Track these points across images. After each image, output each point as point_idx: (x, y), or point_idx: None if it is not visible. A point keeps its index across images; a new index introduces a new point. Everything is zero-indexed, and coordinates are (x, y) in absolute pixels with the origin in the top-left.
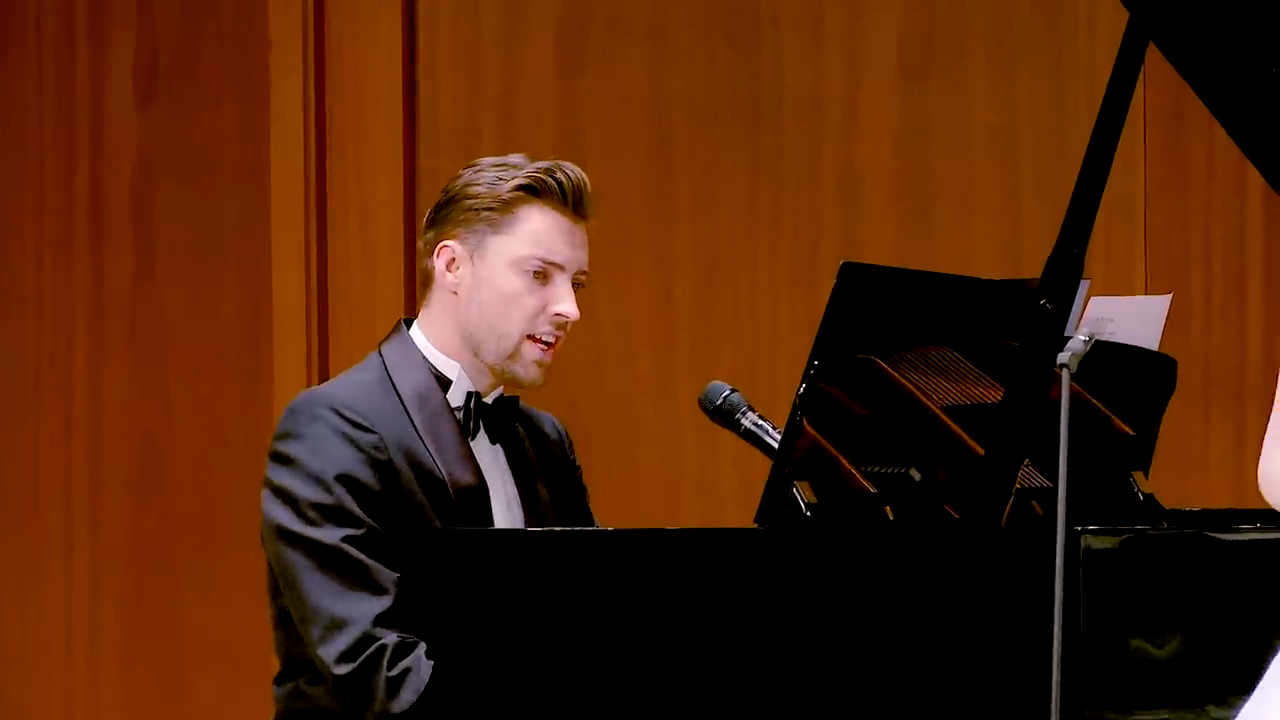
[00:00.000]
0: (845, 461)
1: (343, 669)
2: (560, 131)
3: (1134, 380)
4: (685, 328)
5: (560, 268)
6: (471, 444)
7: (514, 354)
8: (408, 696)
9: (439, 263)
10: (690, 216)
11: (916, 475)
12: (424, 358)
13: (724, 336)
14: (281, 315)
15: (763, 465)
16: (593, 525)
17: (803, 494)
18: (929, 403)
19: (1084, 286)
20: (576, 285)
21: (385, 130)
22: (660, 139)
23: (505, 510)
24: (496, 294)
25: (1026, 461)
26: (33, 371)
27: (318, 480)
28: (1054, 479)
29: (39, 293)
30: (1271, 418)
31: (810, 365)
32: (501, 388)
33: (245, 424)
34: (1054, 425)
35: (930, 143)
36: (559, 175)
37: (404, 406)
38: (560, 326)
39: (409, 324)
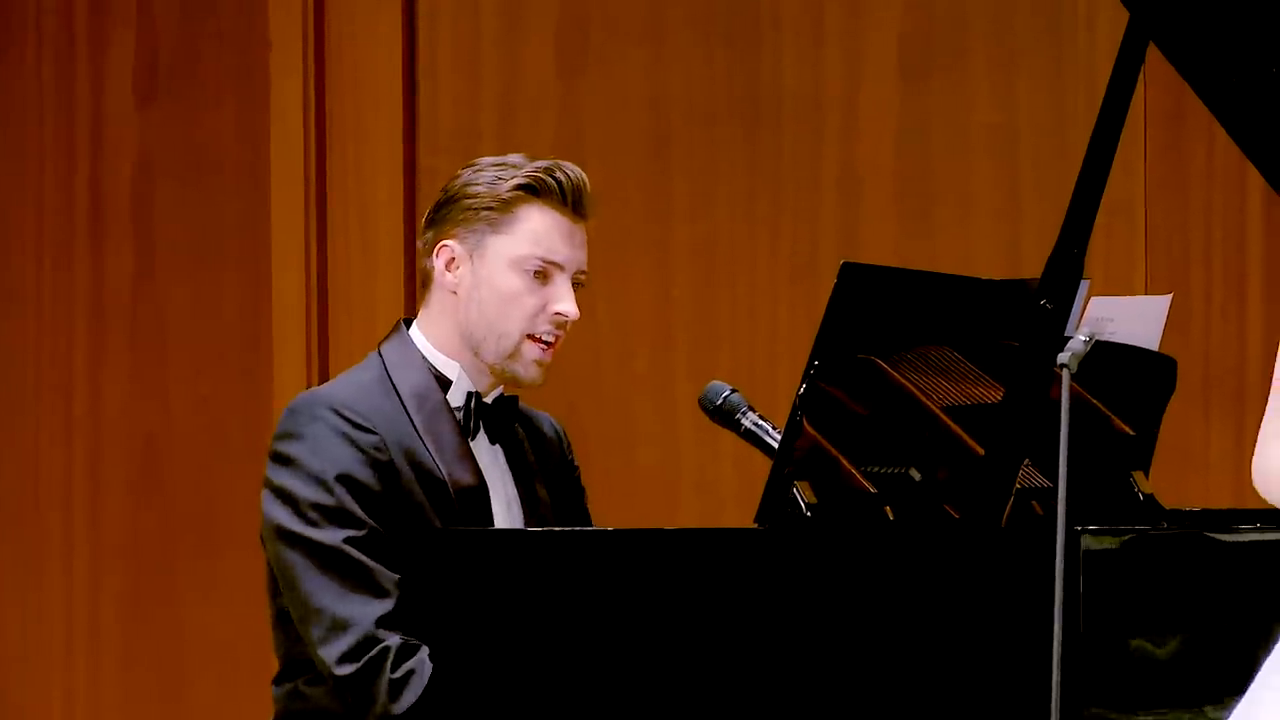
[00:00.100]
0: (845, 461)
1: (344, 670)
2: (559, 131)
3: (1134, 380)
4: (684, 328)
5: (560, 267)
6: (471, 444)
7: (514, 353)
8: (409, 699)
9: (438, 262)
10: (689, 216)
11: (916, 475)
12: (423, 358)
13: (723, 336)
14: (281, 315)
15: (762, 465)
16: (591, 526)
17: (803, 494)
18: (929, 403)
19: (1084, 286)
20: (576, 285)
21: (385, 130)
22: (659, 139)
23: (505, 510)
24: (496, 293)
25: (1026, 461)
26: (33, 371)
27: (318, 481)
28: (1054, 479)
29: (39, 293)
30: (1266, 413)
31: (810, 365)
32: (501, 388)
33: (245, 424)
34: (1054, 425)
35: (930, 143)
36: (558, 175)
37: (404, 406)
38: (560, 326)
39: (408, 324)
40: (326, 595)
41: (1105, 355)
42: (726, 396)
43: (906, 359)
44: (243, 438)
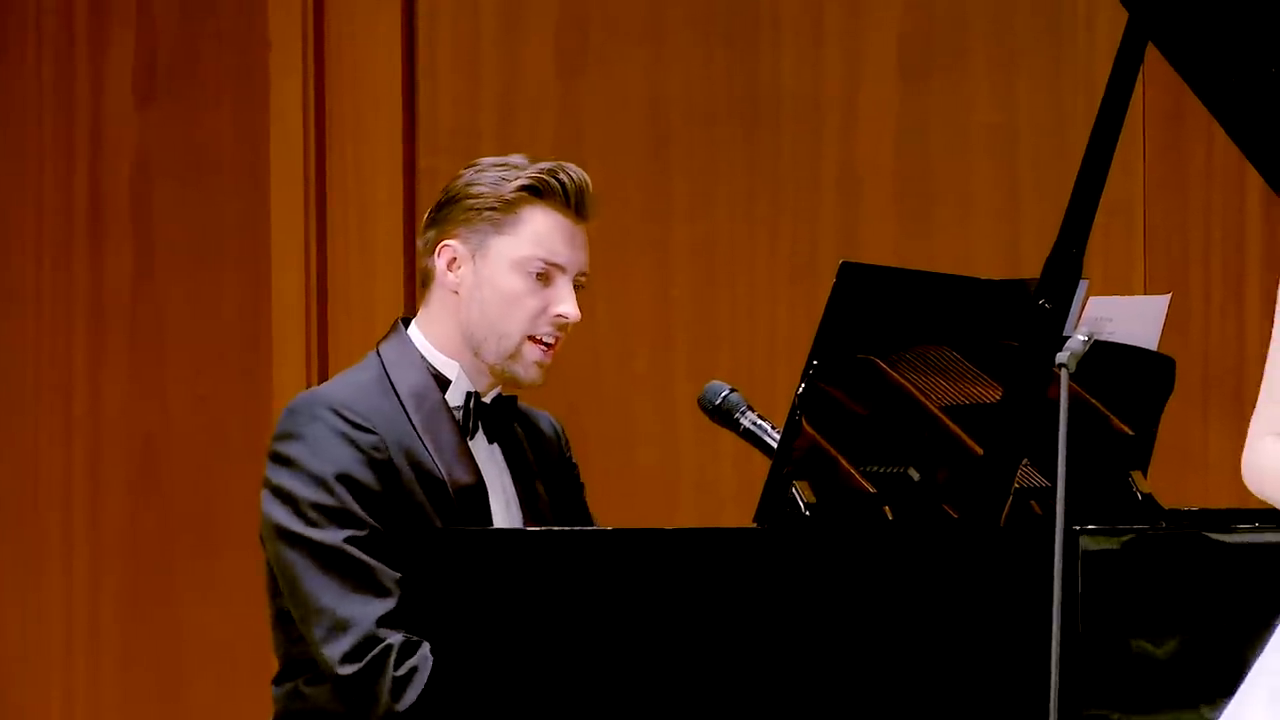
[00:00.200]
0: (844, 461)
1: (347, 669)
2: (559, 131)
3: (1133, 380)
4: (683, 328)
5: (562, 269)
6: (470, 443)
7: (515, 354)
8: (413, 696)
9: (440, 262)
10: (688, 216)
11: (915, 475)
12: (422, 357)
13: (722, 336)
14: (281, 315)
15: (761, 465)
16: (590, 521)
17: (802, 494)
18: (928, 403)
19: (1083, 286)
20: (576, 286)
21: (385, 130)
22: (658, 139)
23: (504, 509)
24: (498, 294)
25: (1025, 461)
26: (32, 371)
27: (318, 481)
28: (1053, 479)
29: (38, 293)
30: (1256, 409)
31: (809, 365)
32: (500, 388)
33: (244, 424)
34: (1053, 425)
35: (930, 143)
36: (562, 176)
37: (402, 406)
38: (561, 328)
39: (407, 323)
40: (328, 595)
41: (1104, 355)
42: (726, 396)
43: (905, 359)
44: (242, 438)
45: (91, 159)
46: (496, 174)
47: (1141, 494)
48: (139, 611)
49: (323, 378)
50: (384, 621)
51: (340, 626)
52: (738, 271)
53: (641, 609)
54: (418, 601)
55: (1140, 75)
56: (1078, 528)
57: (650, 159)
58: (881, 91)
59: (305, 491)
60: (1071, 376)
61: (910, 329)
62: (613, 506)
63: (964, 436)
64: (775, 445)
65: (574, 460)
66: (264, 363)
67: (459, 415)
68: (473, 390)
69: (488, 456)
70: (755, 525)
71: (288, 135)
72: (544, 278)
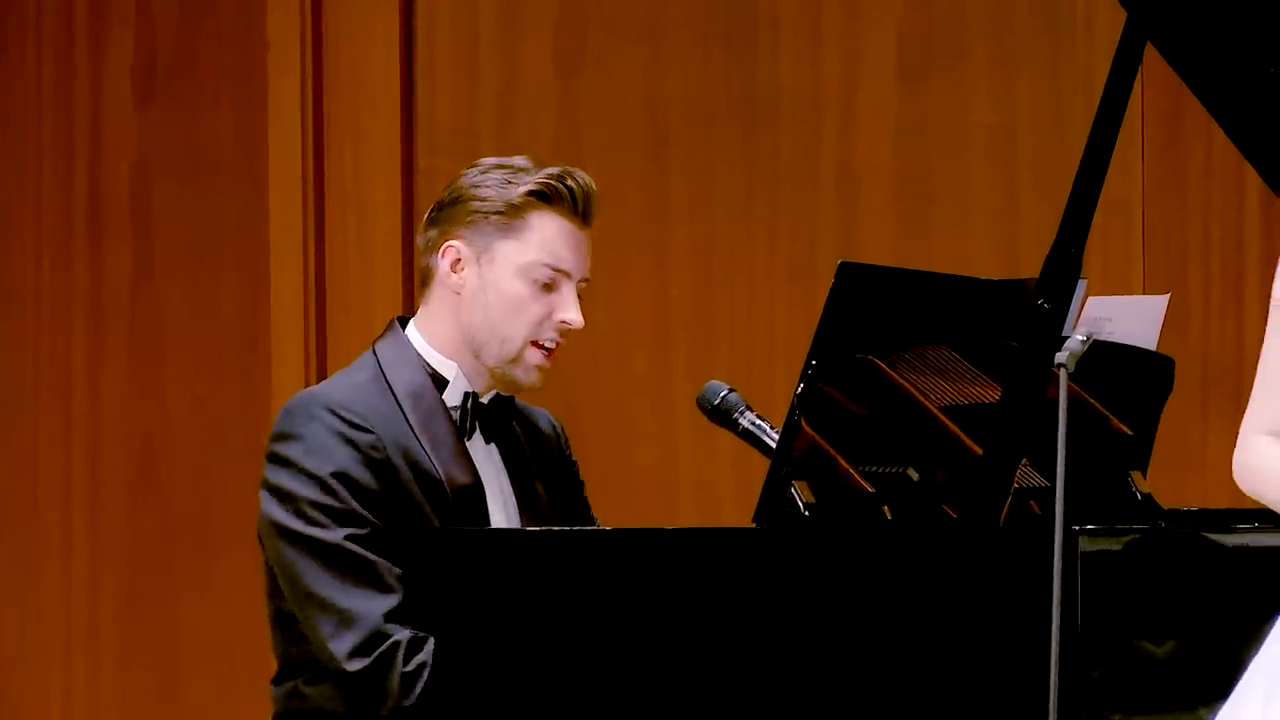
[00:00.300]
0: (843, 461)
1: (356, 665)
2: (558, 131)
3: (1132, 380)
4: (682, 328)
5: (567, 275)
6: (467, 444)
7: (517, 358)
8: (421, 691)
9: (443, 263)
10: (687, 216)
11: (914, 475)
12: (419, 356)
13: (721, 337)
14: (280, 315)
15: (760, 465)
16: (591, 518)
17: (801, 494)
18: (927, 402)
19: (1082, 286)
20: (578, 291)
21: (383, 130)
22: (657, 139)
23: (501, 509)
24: (503, 298)
25: (1024, 461)
26: (31, 371)
27: (316, 480)
28: (1052, 479)
29: (38, 293)
30: (1248, 408)
31: (808, 365)
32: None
33: (243, 424)
34: (1052, 425)
35: (928, 143)
36: (570, 182)
37: (399, 405)
38: (563, 333)
39: (403, 323)
40: (332, 592)
41: (1103, 355)
42: (724, 396)
43: (904, 359)
44: (241, 438)
45: (91, 159)
46: (502, 176)
47: (1141, 494)
48: (138, 611)
49: (321, 378)
50: (390, 617)
51: (346, 622)
52: (736, 271)
53: (641, 609)
54: (417, 601)
55: (1139, 75)
56: (1077, 528)
57: (649, 159)
58: (880, 91)
59: (304, 491)
60: (1071, 376)
61: (909, 329)
62: (611, 506)
63: (963, 436)
64: (774, 445)
65: (573, 458)
66: (263, 363)
67: (456, 415)
68: (470, 391)
69: (485, 457)
70: (754, 525)
71: (286, 135)
72: (549, 284)
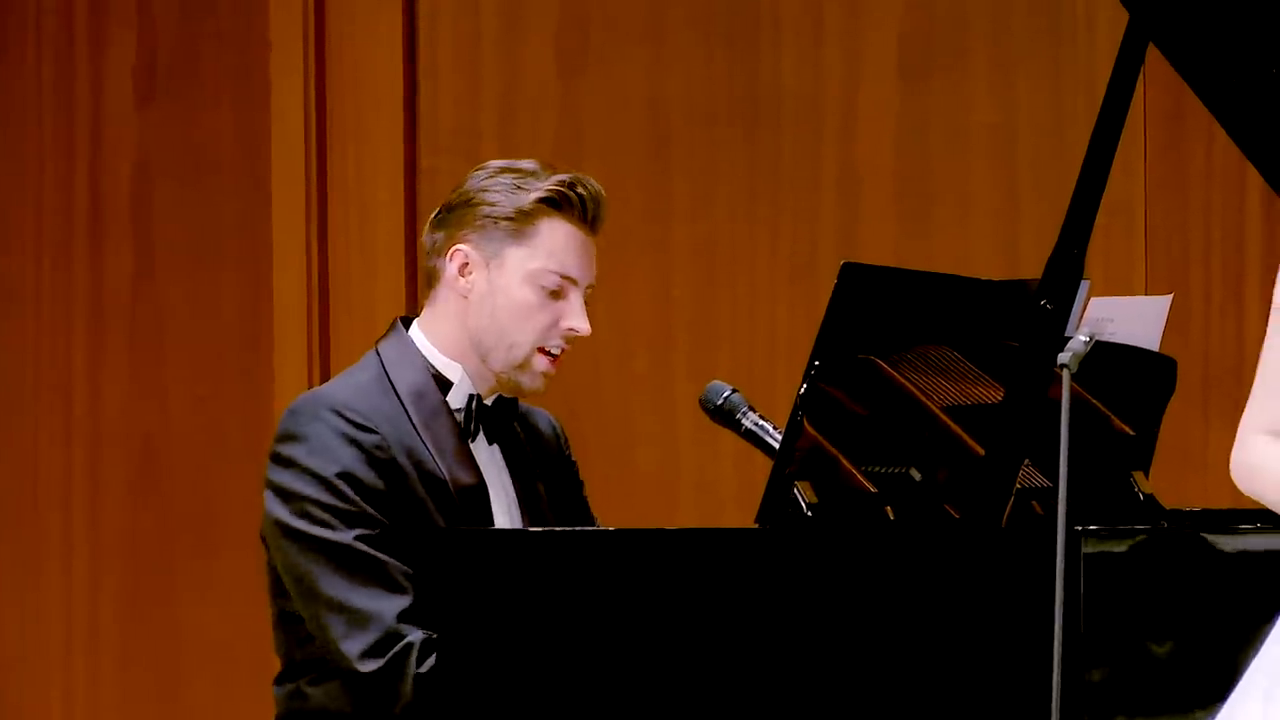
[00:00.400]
0: (846, 461)
1: (369, 666)
2: (560, 131)
3: (1134, 380)
4: (684, 328)
5: (574, 282)
6: (470, 445)
7: (523, 364)
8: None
9: (451, 265)
10: (689, 217)
11: (917, 475)
12: (423, 357)
13: (722, 337)
14: (282, 315)
15: (762, 465)
16: (591, 518)
17: (803, 494)
18: (929, 403)
19: (1084, 287)
20: (584, 296)
21: (385, 130)
22: (659, 139)
23: (505, 510)
24: (511, 304)
25: (1027, 461)
26: (32, 371)
27: (322, 481)
28: (1054, 479)
29: (38, 293)
30: (1247, 407)
31: (810, 365)
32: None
33: (244, 424)
34: (1054, 425)
35: (929, 143)
36: (580, 190)
37: (402, 405)
38: (570, 341)
39: (407, 323)
40: (344, 593)
41: (1105, 355)
42: (727, 396)
43: (907, 359)
44: (242, 438)
45: (91, 159)
46: (511, 181)
47: (1143, 494)
48: (138, 612)
49: (324, 378)
50: (403, 617)
51: (359, 623)
52: (738, 272)
53: (643, 609)
54: (422, 601)
55: (1141, 75)
56: (1080, 528)
57: (651, 159)
58: (881, 91)
59: (310, 492)
60: (1073, 377)
61: (912, 329)
62: (613, 507)
63: (965, 437)
64: (777, 446)
65: (573, 458)
66: (264, 363)
67: (460, 417)
68: (475, 393)
69: (488, 458)
70: (756, 526)
71: (288, 135)
72: (557, 291)
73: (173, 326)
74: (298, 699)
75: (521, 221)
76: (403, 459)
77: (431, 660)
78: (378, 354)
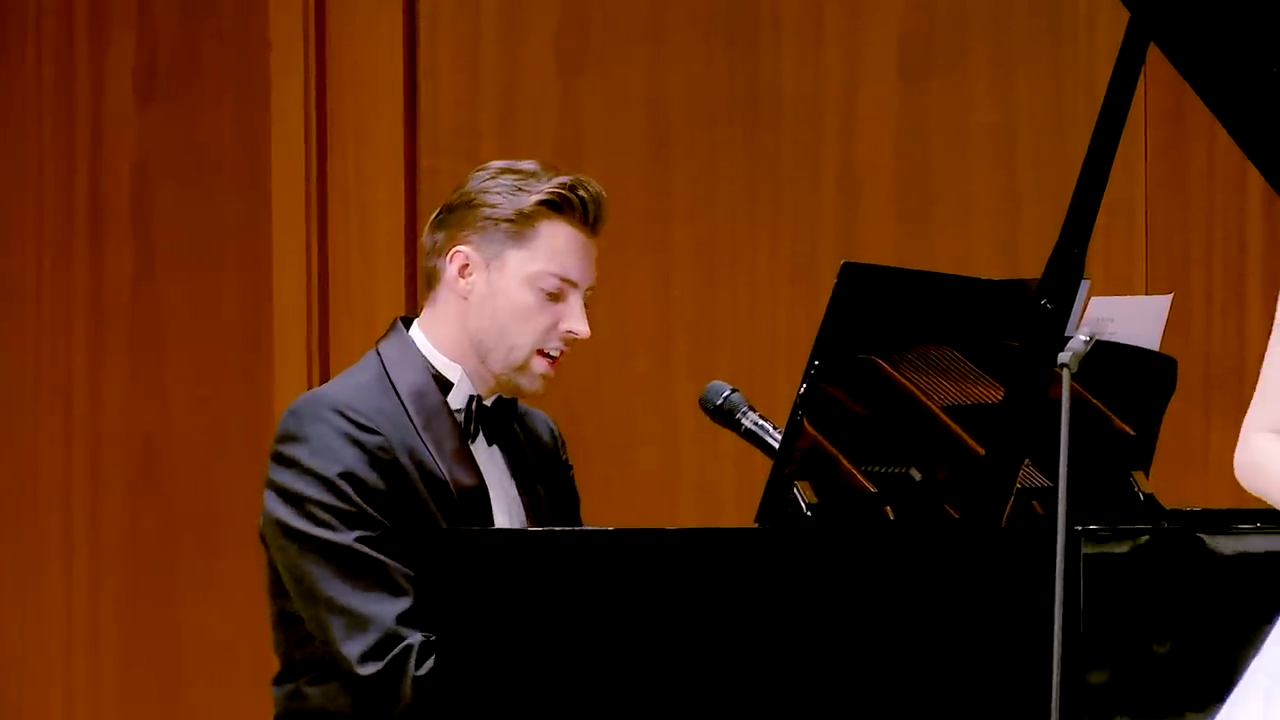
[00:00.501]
0: (846, 461)
1: (369, 669)
2: (560, 131)
3: (1134, 380)
4: (684, 328)
5: (574, 285)
6: (470, 446)
7: (523, 366)
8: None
9: (451, 267)
10: (689, 216)
11: (917, 475)
12: (423, 357)
13: (723, 337)
14: (282, 315)
15: (763, 465)
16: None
17: (803, 494)
18: (929, 403)
19: (1084, 286)
20: (584, 298)
21: (385, 130)
22: (659, 139)
23: (505, 511)
24: (511, 306)
25: (1027, 461)
26: (32, 371)
27: (324, 482)
28: (1054, 479)
29: (38, 293)
30: (1250, 406)
31: (810, 365)
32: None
33: (245, 424)
34: (1054, 425)
35: (929, 143)
36: (581, 192)
37: (403, 405)
38: (569, 343)
39: (407, 323)
40: (344, 594)
41: (1106, 355)
42: (727, 396)
43: (907, 359)
44: (242, 438)
45: (91, 159)
46: (512, 182)
47: (1143, 494)
48: (139, 612)
49: (324, 378)
50: (403, 620)
51: (359, 625)
52: (738, 271)
53: (643, 610)
54: (423, 601)
55: (1141, 75)
56: (1080, 528)
57: (650, 159)
58: (881, 92)
59: (312, 492)
60: (1073, 377)
61: (912, 329)
62: (613, 507)
63: (965, 437)
64: (777, 445)
65: (569, 461)
66: (264, 363)
67: (460, 418)
68: (474, 394)
69: (488, 459)
70: (756, 525)
71: (288, 135)
72: (556, 293)
73: (173, 327)
74: (297, 699)
75: (521, 224)
76: (405, 460)
77: (431, 663)
78: (378, 354)
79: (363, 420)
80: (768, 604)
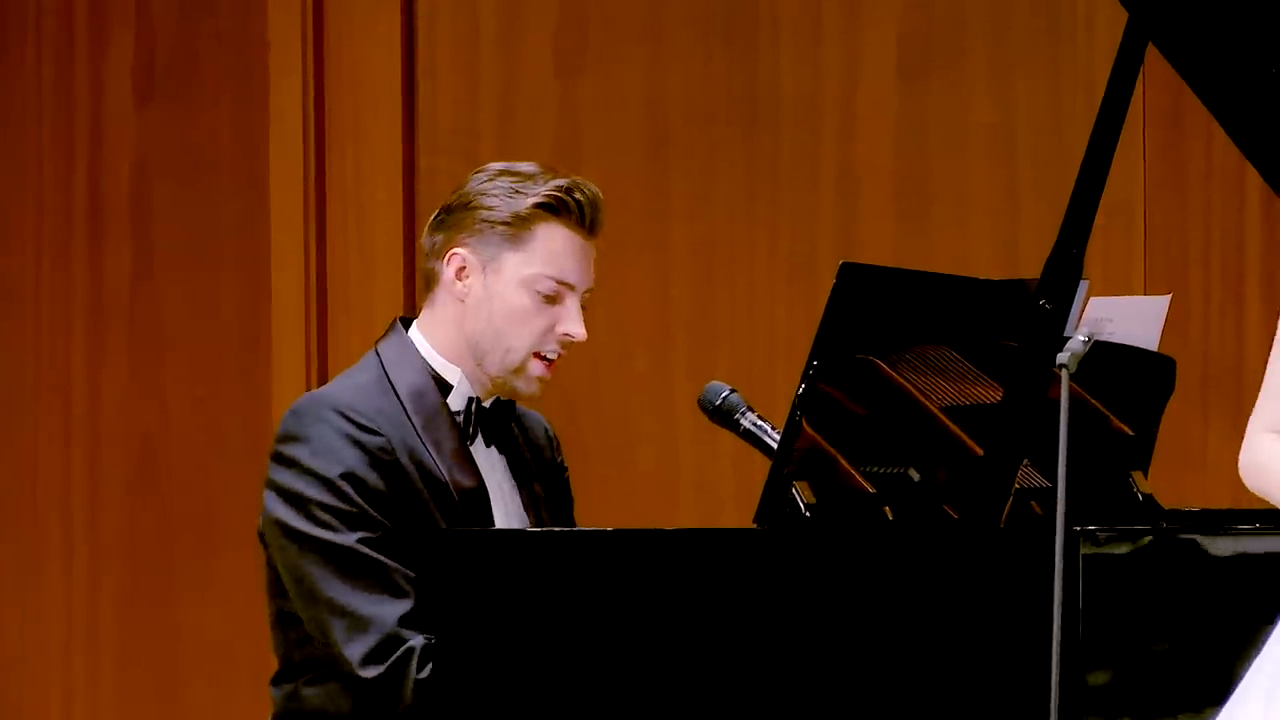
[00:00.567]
0: (844, 462)
1: (370, 671)
2: (558, 131)
3: (1133, 380)
4: (682, 328)
5: (571, 288)
6: (470, 447)
7: (519, 369)
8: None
9: (448, 269)
10: (687, 216)
11: (915, 475)
12: (423, 358)
13: (721, 337)
14: (280, 316)
15: (761, 466)
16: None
17: (802, 494)
18: (928, 403)
19: (1083, 287)
20: (582, 300)
21: (384, 130)
22: (658, 139)
23: (505, 512)
24: (507, 309)
25: (1025, 462)
26: (31, 372)
27: (326, 482)
28: (1053, 479)
29: (37, 293)
30: (1255, 407)
31: (809, 365)
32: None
33: (243, 424)
34: (1053, 425)
35: (928, 143)
36: (578, 195)
37: (403, 406)
38: (566, 346)
39: (406, 323)
40: (345, 596)
41: (1104, 355)
42: (726, 396)
43: (905, 359)
44: (241, 438)
45: (91, 159)
46: (509, 184)
47: (1142, 494)
48: (138, 612)
49: (322, 378)
50: (404, 621)
51: (360, 627)
52: (737, 271)
53: (643, 610)
54: (423, 602)
55: (1140, 75)
56: (1078, 528)
57: (649, 159)
58: (880, 92)
59: (313, 493)
60: (1072, 377)
61: (910, 329)
62: (612, 507)
63: (964, 437)
64: (775, 446)
65: (564, 463)
66: (263, 363)
67: (460, 419)
68: (473, 395)
69: (487, 460)
70: (755, 526)
71: (287, 135)
72: (553, 296)
73: (172, 327)
74: (295, 700)
75: (518, 226)
76: (405, 461)
77: (432, 665)
78: (378, 355)
79: (364, 421)
80: (767, 604)
